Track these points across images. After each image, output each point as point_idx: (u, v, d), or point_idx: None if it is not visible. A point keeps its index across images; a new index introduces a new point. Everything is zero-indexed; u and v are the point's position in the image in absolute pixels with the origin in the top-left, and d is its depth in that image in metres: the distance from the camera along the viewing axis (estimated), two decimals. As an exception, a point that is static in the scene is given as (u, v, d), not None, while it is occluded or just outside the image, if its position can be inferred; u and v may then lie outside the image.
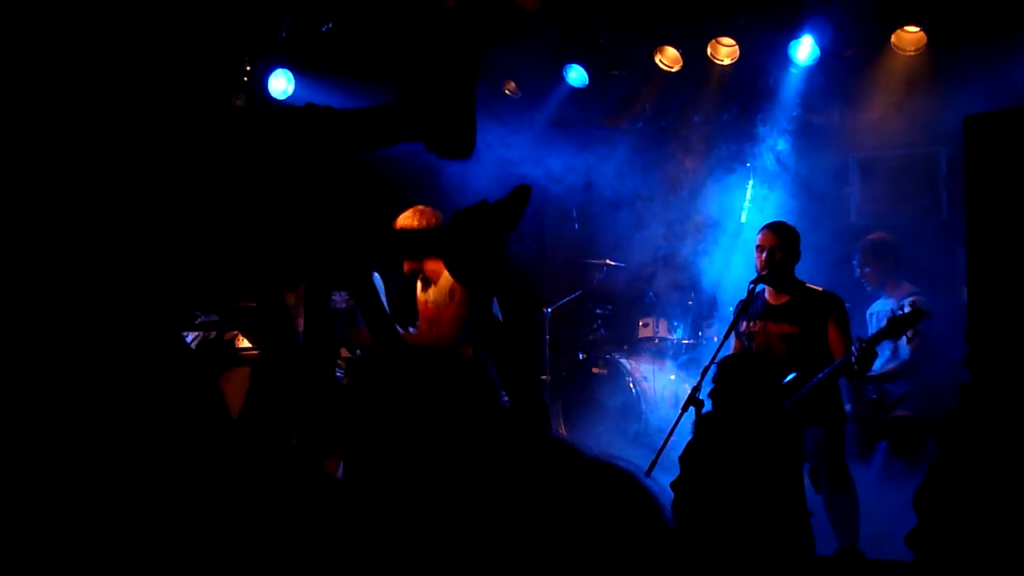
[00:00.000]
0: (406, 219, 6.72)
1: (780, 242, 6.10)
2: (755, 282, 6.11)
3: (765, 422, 4.40)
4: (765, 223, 6.37)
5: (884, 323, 5.69)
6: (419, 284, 6.88)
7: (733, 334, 6.32)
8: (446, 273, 6.68)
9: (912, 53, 7.77)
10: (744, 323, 6.24)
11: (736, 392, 4.49)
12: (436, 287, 6.66)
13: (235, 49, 8.39)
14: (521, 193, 2.55)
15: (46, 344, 2.72)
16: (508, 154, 9.09)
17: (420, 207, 6.84)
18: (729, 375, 4.58)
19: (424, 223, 6.71)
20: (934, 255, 7.97)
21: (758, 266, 6.13)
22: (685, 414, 5.80)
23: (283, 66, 8.48)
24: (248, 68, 8.42)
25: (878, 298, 7.14)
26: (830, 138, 8.71)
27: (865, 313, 7.09)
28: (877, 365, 6.16)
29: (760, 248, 6.13)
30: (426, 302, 6.75)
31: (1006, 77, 7.25)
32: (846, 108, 8.59)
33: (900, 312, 5.58)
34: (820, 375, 5.77)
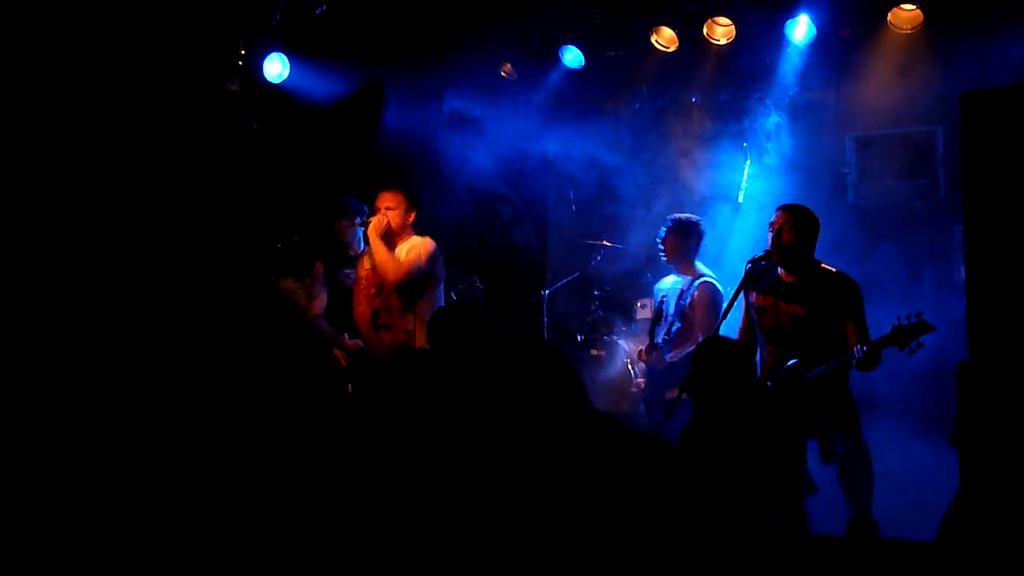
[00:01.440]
0: (385, 201, 6.71)
1: (790, 223, 6.03)
2: (752, 262, 6.08)
3: (746, 407, 4.40)
4: (780, 204, 6.30)
5: (891, 334, 5.59)
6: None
7: (742, 306, 6.31)
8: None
9: (909, 31, 7.73)
10: (754, 295, 6.20)
11: (711, 378, 4.49)
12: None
13: (229, 33, 8.36)
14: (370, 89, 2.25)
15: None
16: (505, 136, 9.08)
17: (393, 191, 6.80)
18: (702, 361, 4.58)
19: (403, 203, 6.70)
20: (931, 234, 7.98)
21: (771, 245, 6.09)
22: (683, 395, 5.79)
23: (278, 49, 8.44)
24: (242, 52, 8.39)
25: (668, 272, 7.41)
26: (827, 117, 8.68)
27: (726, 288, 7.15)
28: None
29: (771, 226, 6.10)
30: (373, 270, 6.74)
31: (1003, 54, 7.23)
32: (843, 87, 8.55)
33: (906, 321, 5.51)
34: (819, 369, 5.74)
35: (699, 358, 4.59)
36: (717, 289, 7.10)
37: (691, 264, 7.25)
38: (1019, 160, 5.30)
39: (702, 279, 7.09)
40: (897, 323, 5.49)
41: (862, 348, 5.55)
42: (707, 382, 4.45)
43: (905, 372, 6.87)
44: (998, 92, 5.43)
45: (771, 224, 6.12)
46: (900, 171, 8.39)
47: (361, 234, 7.03)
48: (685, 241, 7.23)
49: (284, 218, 8.11)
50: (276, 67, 8.44)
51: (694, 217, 7.44)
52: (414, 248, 6.66)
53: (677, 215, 7.41)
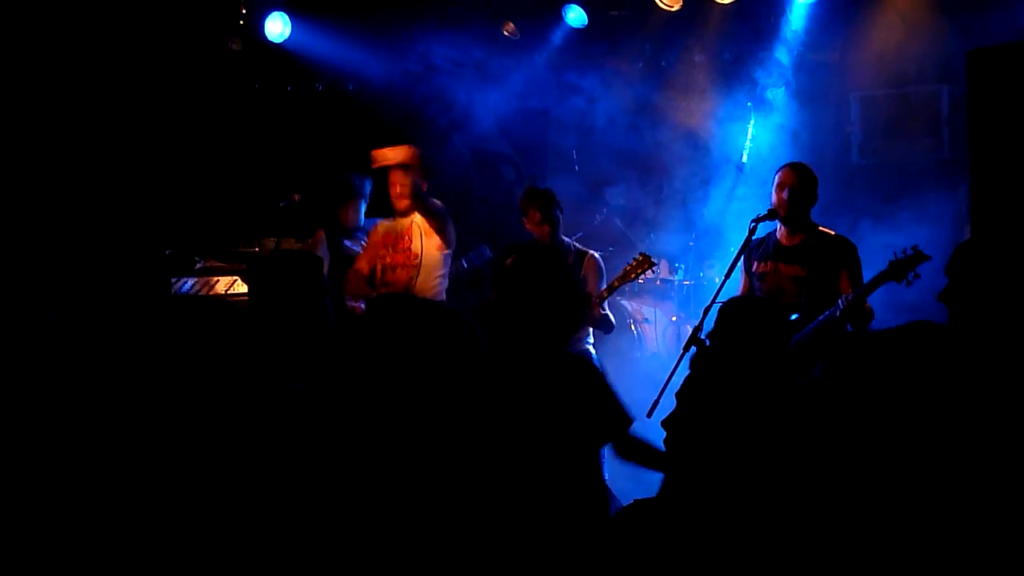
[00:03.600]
0: (396, 154, 6.57)
1: (800, 181, 5.99)
2: (756, 221, 6.03)
3: (763, 367, 4.37)
4: (786, 163, 6.23)
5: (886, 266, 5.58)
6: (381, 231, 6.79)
7: (742, 274, 6.27)
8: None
9: (915, -11, 7.68)
10: (755, 263, 6.17)
11: (737, 335, 4.46)
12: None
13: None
14: None
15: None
16: (508, 96, 9.04)
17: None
18: (731, 318, 4.54)
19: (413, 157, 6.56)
20: (936, 194, 7.94)
21: (776, 203, 6.03)
22: (687, 354, 5.78)
23: (279, 8, 8.38)
24: (244, 11, 8.34)
25: None
26: (831, 76, 8.64)
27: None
28: None
29: (781, 186, 6.02)
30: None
31: (1009, 12, 7.17)
32: (847, 46, 8.49)
33: (902, 255, 5.48)
34: (807, 328, 5.71)
35: (729, 316, 4.54)
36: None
37: (560, 237, 6.83)
38: (1025, 117, 5.27)
39: (587, 252, 6.82)
40: (894, 258, 5.46)
41: (847, 298, 5.52)
42: (736, 341, 4.40)
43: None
44: (1004, 49, 5.38)
45: (780, 183, 6.04)
46: (905, 130, 8.36)
47: (363, 211, 7.04)
48: (557, 212, 6.74)
49: (286, 178, 8.09)
50: (277, 26, 8.39)
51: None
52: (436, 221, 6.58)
53: (535, 186, 6.96)
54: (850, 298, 5.50)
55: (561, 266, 4.44)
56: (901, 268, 5.42)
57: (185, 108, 8.26)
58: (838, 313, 5.54)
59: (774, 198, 6.01)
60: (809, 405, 2.36)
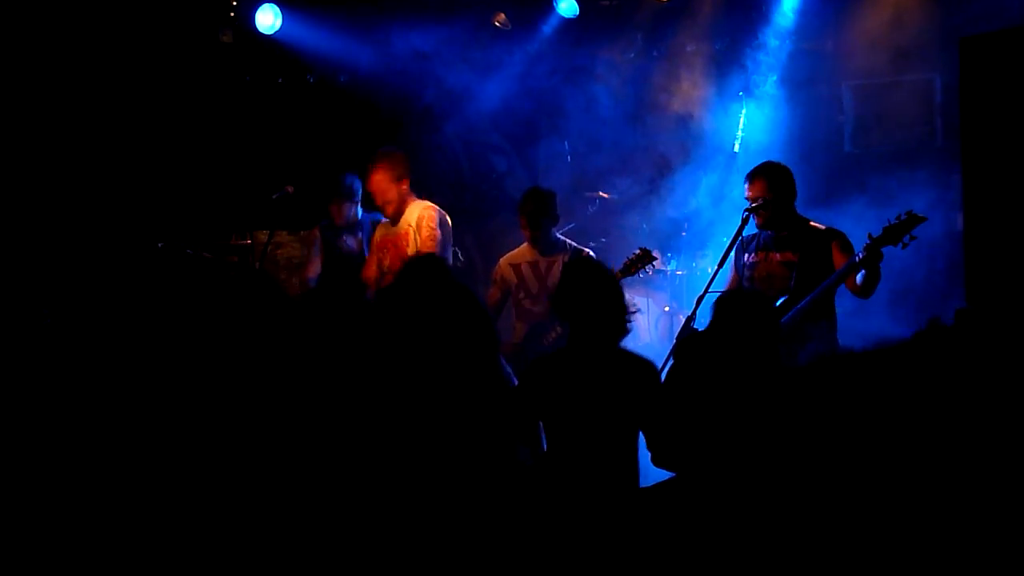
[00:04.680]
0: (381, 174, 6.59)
1: (766, 188, 5.99)
2: (749, 210, 6.04)
3: (755, 360, 4.37)
4: (752, 170, 6.16)
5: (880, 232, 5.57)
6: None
7: (732, 269, 6.27)
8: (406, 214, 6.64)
9: (906, -23, 7.68)
10: (746, 255, 6.18)
11: (730, 329, 4.45)
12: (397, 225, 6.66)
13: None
14: None
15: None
16: (499, 87, 9.02)
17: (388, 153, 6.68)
18: (725, 311, 4.54)
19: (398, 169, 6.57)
20: (929, 183, 7.95)
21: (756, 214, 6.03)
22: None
23: (270, 0, 8.36)
24: (234, 3, 8.32)
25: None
26: (823, 66, 8.62)
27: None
28: None
29: (750, 199, 6.02)
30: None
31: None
32: (839, 35, 8.49)
33: (895, 220, 5.48)
34: (827, 281, 5.70)
35: (724, 309, 4.54)
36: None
37: (553, 235, 6.86)
38: (1017, 105, 5.27)
39: (582, 249, 6.83)
40: (888, 224, 5.46)
41: (863, 250, 5.51)
42: (729, 335, 4.39)
43: (903, 319, 6.88)
44: (997, 36, 5.39)
45: (749, 197, 6.05)
46: (897, 120, 8.35)
47: (359, 209, 7.06)
48: (554, 212, 6.81)
49: (278, 170, 8.08)
50: (268, 18, 8.37)
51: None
52: (423, 227, 6.57)
53: (532, 189, 7.01)
54: (868, 243, 5.46)
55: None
56: (895, 232, 5.42)
57: (176, 101, 8.23)
58: (858, 258, 5.51)
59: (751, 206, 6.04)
60: (815, 408, 2.34)
